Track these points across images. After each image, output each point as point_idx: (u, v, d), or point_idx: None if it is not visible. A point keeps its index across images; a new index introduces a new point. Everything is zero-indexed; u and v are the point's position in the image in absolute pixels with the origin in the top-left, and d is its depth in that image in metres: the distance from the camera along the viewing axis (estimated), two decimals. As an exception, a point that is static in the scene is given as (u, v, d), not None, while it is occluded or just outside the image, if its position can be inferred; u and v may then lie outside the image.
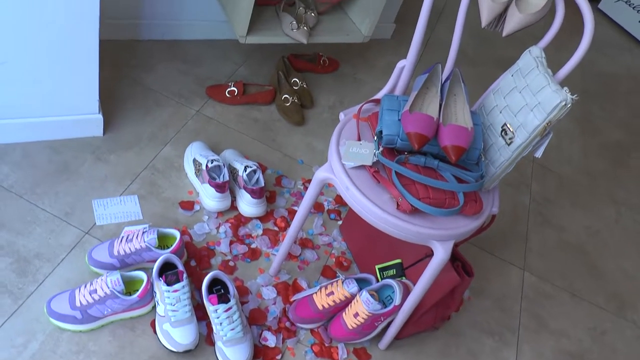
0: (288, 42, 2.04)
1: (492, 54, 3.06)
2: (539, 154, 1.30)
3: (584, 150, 2.71)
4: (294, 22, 2.00)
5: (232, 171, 1.79)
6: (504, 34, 1.33)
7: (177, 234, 1.55)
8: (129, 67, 2.12)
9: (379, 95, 1.48)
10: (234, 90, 2.11)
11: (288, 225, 1.81)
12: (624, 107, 3.15)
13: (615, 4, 3.95)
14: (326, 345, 1.57)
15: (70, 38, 1.55)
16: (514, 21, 1.32)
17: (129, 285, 1.47)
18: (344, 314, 1.54)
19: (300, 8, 2.08)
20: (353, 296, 1.54)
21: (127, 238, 1.53)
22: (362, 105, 1.43)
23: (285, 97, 2.15)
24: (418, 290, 1.39)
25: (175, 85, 2.12)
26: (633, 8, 3.83)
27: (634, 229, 2.39)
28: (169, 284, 1.42)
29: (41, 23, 1.48)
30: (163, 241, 1.57)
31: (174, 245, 1.52)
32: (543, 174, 2.46)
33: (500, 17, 1.37)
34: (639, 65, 3.62)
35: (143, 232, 1.52)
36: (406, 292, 1.52)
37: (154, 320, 1.47)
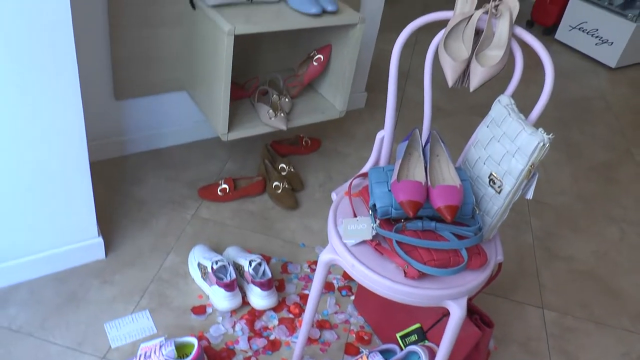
0: (268, 131, 2.10)
1: (465, 102, 3.15)
2: (529, 195, 1.33)
3: (573, 176, 2.75)
4: (271, 111, 2.07)
5: (238, 268, 1.81)
6: (472, 89, 1.39)
7: (195, 341, 1.54)
8: (120, 184, 2.16)
9: (365, 169, 1.52)
10: (225, 188, 2.15)
11: (302, 310, 1.81)
12: (601, 126, 3.23)
13: (569, 32, 4.11)
14: None
15: (61, 170, 1.59)
16: (478, 76, 1.38)
17: (156, 404, 1.45)
18: (374, 390, 1.52)
19: (274, 96, 2.16)
20: (380, 370, 1.53)
21: (144, 355, 1.52)
22: (352, 182, 1.47)
23: (275, 185, 2.20)
24: (442, 351, 1.38)
25: (167, 193, 2.16)
26: (587, 33, 3.99)
27: (641, 245, 2.40)
28: (195, 394, 1.41)
29: (30, 161, 1.53)
30: (182, 350, 1.57)
31: (193, 353, 1.51)
32: (540, 208, 2.49)
33: (465, 74, 1.43)
34: (606, 85, 3.73)
35: (160, 346, 1.51)
36: (431, 355, 1.51)
37: None
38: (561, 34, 4.19)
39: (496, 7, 1.37)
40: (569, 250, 2.29)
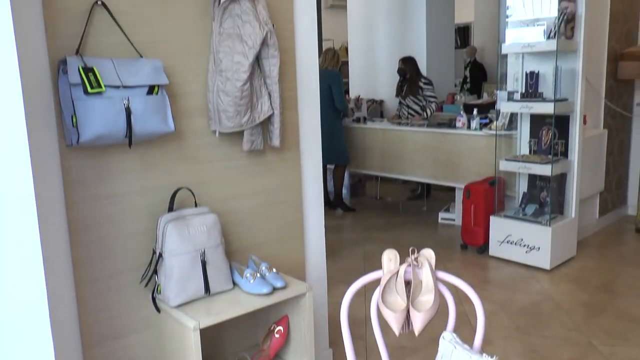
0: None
1: (427, 336, 3.29)
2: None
3: (546, 382, 2.83)
4: (245, 392, 2.15)
5: None
6: (417, 333, 1.57)
7: None
8: None
9: None
10: None
11: None
12: (557, 326, 3.40)
13: (500, 246, 4.51)
14: None
15: None
16: (419, 320, 1.57)
17: None
18: None
19: (245, 376, 2.26)
20: None
21: None
22: None
23: None
24: None
25: None
26: (515, 244, 4.40)
27: None
28: None
29: None
30: None
31: None
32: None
33: (408, 320, 1.62)
34: (548, 287, 4.01)
35: None
36: None
37: None
38: (493, 249, 4.57)
39: (416, 259, 1.62)
40: None
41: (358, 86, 8.16)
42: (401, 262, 1.64)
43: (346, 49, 9.19)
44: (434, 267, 1.61)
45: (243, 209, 2.48)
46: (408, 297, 1.60)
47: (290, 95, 2.57)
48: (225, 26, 2.19)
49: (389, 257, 1.64)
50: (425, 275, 1.60)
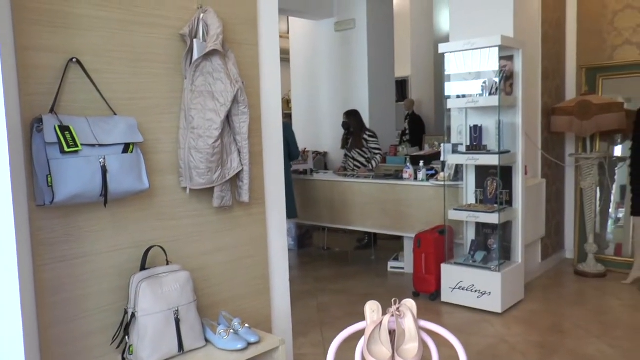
0: None
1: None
2: None
3: None
4: None
5: None
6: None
7: None
8: None
9: None
10: None
11: None
12: (513, 370, 3.50)
13: (452, 293, 4.62)
14: None
15: None
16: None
17: None
18: None
19: None
20: None
21: None
22: None
23: None
24: None
25: None
26: (466, 290, 4.52)
27: None
28: None
29: None
30: None
31: None
32: None
33: (392, 370, 1.66)
34: (502, 330, 4.13)
35: None
36: None
37: None
38: (445, 296, 4.68)
39: (398, 309, 1.67)
40: None
41: (302, 138, 8.29)
42: (384, 313, 1.69)
43: (287, 101, 9.37)
44: (416, 316, 1.67)
45: (212, 265, 2.47)
46: (393, 346, 1.64)
47: (257, 151, 2.63)
48: (197, 84, 2.24)
49: (372, 309, 1.69)
50: (408, 324, 1.65)
